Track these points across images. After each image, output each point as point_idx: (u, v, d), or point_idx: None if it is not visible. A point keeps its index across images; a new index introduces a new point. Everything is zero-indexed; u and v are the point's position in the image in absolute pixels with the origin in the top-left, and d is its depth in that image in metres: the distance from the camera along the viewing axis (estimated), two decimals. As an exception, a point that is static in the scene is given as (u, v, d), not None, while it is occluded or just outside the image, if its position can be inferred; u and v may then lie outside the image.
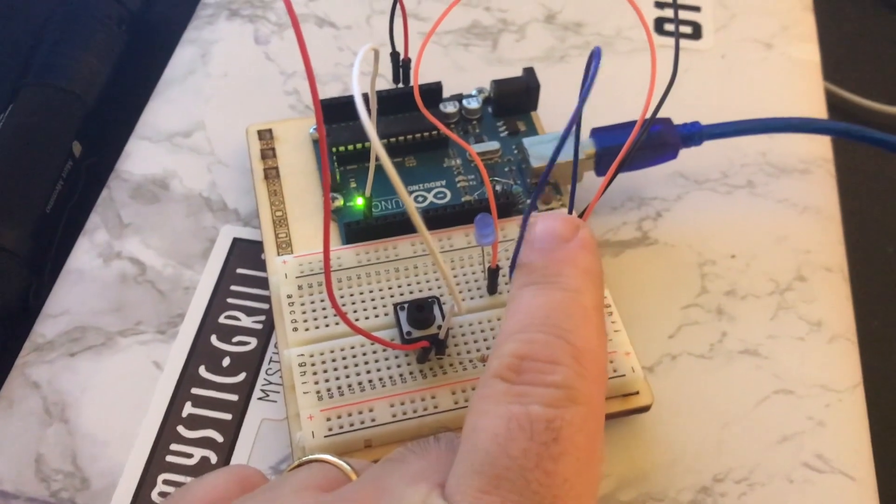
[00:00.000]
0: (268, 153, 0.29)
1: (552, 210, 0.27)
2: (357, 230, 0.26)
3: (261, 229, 0.27)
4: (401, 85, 0.29)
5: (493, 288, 0.25)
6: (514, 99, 0.30)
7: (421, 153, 0.29)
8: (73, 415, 0.25)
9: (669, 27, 0.36)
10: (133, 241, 0.29)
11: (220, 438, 0.25)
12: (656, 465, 0.24)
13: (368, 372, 0.23)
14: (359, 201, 0.27)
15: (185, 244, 0.29)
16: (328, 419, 0.22)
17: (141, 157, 0.31)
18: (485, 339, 0.24)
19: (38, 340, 0.26)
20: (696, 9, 0.37)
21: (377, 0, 0.36)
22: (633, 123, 0.27)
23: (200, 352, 0.26)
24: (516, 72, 0.31)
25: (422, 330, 0.23)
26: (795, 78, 0.35)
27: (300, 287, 0.25)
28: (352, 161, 0.28)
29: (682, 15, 0.37)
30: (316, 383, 0.23)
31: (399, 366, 0.23)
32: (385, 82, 0.32)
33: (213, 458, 0.24)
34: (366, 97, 0.23)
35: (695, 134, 0.29)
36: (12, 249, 0.29)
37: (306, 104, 0.33)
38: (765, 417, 0.25)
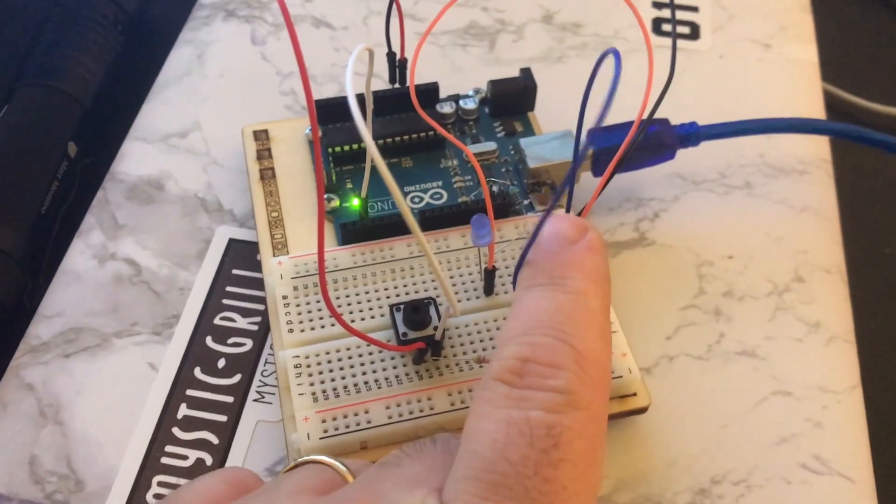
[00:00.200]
0: (264, 154, 0.29)
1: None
2: (353, 231, 0.26)
3: (256, 230, 0.27)
4: (397, 85, 0.29)
5: (489, 289, 0.25)
6: (511, 99, 0.30)
7: (417, 154, 0.29)
8: (68, 416, 0.25)
9: (667, 27, 0.36)
10: (128, 241, 0.29)
11: (215, 440, 0.25)
12: (653, 467, 0.24)
13: (364, 373, 0.23)
14: (355, 202, 0.27)
15: (181, 245, 0.29)
16: (324, 421, 0.22)
17: (136, 157, 0.31)
18: (481, 341, 0.24)
19: (32, 342, 0.26)
20: (694, 9, 0.37)
21: (374, 0, 0.36)
22: (630, 124, 0.27)
23: (196, 353, 0.26)
24: (513, 72, 0.31)
25: (418, 331, 0.23)
26: (794, 78, 0.35)
27: (296, 288, 0.25)
28: (348, 162, 0.28)
29: (680, 15, 0.37)
30: (311, 385, 0.23)
31: (395, 367, 0.23)
32: (382, 83, 0.32)
33: (209, 460, 0.24)
34: (362, 98, 0.23)
35: (692, 134, 0.28)
36: (7, 250, 0.29)
37: (303, 105, 0.33)
38: (763, 419, 0.25)
